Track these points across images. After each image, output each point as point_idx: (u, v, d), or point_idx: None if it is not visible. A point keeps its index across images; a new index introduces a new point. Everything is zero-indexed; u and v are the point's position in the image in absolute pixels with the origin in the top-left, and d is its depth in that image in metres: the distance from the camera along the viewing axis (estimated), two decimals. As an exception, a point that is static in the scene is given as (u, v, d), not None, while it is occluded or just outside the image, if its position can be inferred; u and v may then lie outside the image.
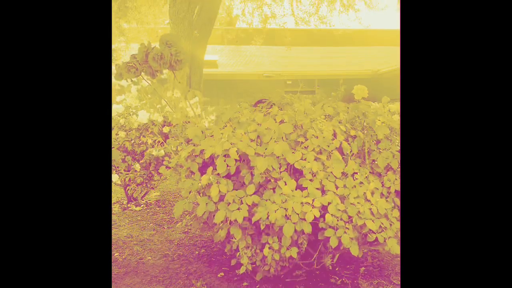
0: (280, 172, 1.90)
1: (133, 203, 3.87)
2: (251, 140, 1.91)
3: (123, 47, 11.74)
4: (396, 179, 2.06)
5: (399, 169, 2.07)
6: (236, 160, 1.89)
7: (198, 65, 6.57)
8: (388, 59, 14.10)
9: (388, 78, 13.59)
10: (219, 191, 1.88)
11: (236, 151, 1.83)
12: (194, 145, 2.07)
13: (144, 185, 3.61)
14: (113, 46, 10.88)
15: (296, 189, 1.86)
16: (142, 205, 3.84)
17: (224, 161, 1.87)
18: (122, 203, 3.92)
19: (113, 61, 11.05)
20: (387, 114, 2.23)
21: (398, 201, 2.01)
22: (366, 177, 2.00)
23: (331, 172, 1.91)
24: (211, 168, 1.94)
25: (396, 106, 2.36)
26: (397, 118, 2.23)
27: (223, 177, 1.95)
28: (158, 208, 3.77)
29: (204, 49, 6.84)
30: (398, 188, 2.01)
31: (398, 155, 2.06)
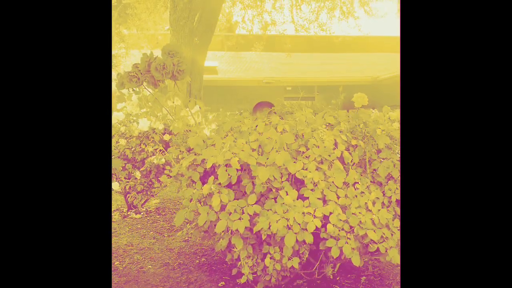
0: (282, 182, 1.90)
1: (133, 210, 3.86)
2: (253, 150, 1.91)
3: (123, 53, 11.78)
4: (397, 188, 2.06)
5: (399, 178, 2.07)
6: (237, 170, 1.89)
7: (198, 71, 6.60)
8: (387, 66, 14.16)
9: (388, 84, 13.64)
10: (221, 200, 1.88)
11: (238, 161, 1.84)
12: (195, 154, 2.07)
13: (144, 192, 3.61)
14: (113, 52, 10.92)
15: (297, 199, 1.86)
16: (142, 213, 3.83)
17: (226, 170, 1.87)
18: (122, 211, 3.91)
19: (113, 67, 11.10)
20: (388, 123, 2.24)
21: (399, 211, 2.01)
22: (367, 186, 2.01)
23: (333, 182, 1.92)
24: (212, 177, 1.94)
25: (396, 114, 2.37)
26: (397, 126, 2.24)
27: (224, 186, 1.95)
28: (158, 216, 3.77)
29: (204, 56, 6.87)
30: (399, 197, 2.01)
31: (398, 164, 2.06)
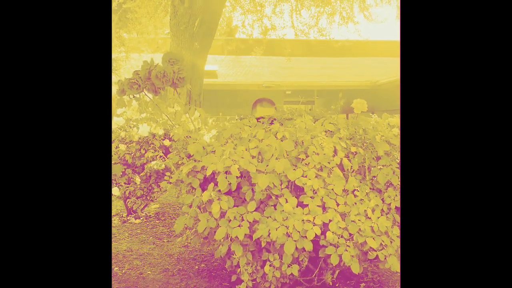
0: (281, 189, 1.90)
1: (132, 215, 3.86)
2: (252, 157, 1.92)
3: (123, 57, 11.80)
4: (396, 195, 2.06)
5: (399, 185, 2.07)
6: (237, 177, 1.90)
7: (198, 76, 6.61)
8: (386, 70, 14.20)
9: (387, 89, 13.67)
10: (220, 207, 1.88)
11: (238, 168, 1.84)
12: (195, 161, 2.08)
13: (144, 198, 3.61)
14: (113, 56, 10.94)
15: (297, 206, 1.86)
16: (141, 218, 3.83)
17: (226, 177, 1.88)
18: (122, 216, 3.91)
19: (113, 71, 11.10)
20: (387, 130, 2.24)
21: (398, 218, 2.02)
22: (366, 193, 2.01)
23: (332, 189, 1.92)
24: (212, 184, 1.94)
25: (396, 120, 2.37)
26: (396, 131, 2.24)
27: (224, 193, 1.95)
28: (157, 221, 3.77)
29: (205, 60, 6.88)
30: (399, 204, 2.02)
31: (398, 171, 2.07)
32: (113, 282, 2.39)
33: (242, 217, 1.89)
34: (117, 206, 4.27)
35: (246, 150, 1.94)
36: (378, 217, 1.91)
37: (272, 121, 2.66)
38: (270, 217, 1.85)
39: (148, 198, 3.70)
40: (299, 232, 1.78)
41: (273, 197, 1.92)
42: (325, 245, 1.85)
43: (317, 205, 1.86)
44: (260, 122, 2.44)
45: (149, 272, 2.56)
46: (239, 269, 2.02)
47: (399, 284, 2.37)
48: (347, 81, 14.35)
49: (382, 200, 2.05)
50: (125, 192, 3.55)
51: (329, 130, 2.23)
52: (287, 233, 1.78)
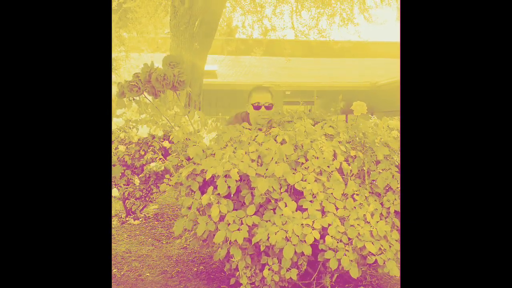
0: (281, 193, 1.90)
1: (131, 216, 3.86)
2: (252, 161, 1.92)
3: (123, 57, 11.78)
4: (395, 199, 2.06)
5: (398, 189, 2.08)
6: (236, 181, 1.90)
7: (198, 76, 6.61)
8: (386, 71, 14.21)
9: (386, 90, 13.67)
10: (220, 211, 1.88)
11: (237, 172, 1.84)
12: (194, 164, 2.08)
13: (143, 199, 3.61)
14: (113, 56, 10.93)
15: (296, 211, 1.86)
16: (140, 219, 3.83)
17: (225, 181, 1.88)
18: (121, 217, 3.91)
19: (112, 70, 11.09)
20: (387, 133, 2.25)
21: (397, 222, 2.02)
22: (366, 197, 2.01)
23: (331, 194, 1.92)
24: (211, 187, 1.94)
25: (395, 122, 2.37)
26: (395, 134, 2.24)
27: (223, 197, 1.95)
28: (156, 222, 3.77)
29: (204, 61, 6.88)
30: (398, 208, 2.02)
31: (397, 175, 2.07)
32: (112, 284, 2.39)
33: (241, 220, 1.89)
34: (116, 207, 4.26)
35: (245, 153, 1.94)
36: (377, 222, 1.92)
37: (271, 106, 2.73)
38: (269, 221, 1.85)
39: (147, 199, 3.70)
40: (298, 236, 1.78)
41: (273, 201, 1.92)
42: (324, 249, 1.85)
43: (316, 209, 1.86)
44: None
45: (148, 274, 2.56)
46: (238, 272, 2.02)
47: (398, 287, 2.37)
48: (347, 82, 14.36)
49: (381, 204, 2.05)
50: (124, 193, 3.55)
51: (328, 134, 2.23)
52: (286, 237, 1.78)
